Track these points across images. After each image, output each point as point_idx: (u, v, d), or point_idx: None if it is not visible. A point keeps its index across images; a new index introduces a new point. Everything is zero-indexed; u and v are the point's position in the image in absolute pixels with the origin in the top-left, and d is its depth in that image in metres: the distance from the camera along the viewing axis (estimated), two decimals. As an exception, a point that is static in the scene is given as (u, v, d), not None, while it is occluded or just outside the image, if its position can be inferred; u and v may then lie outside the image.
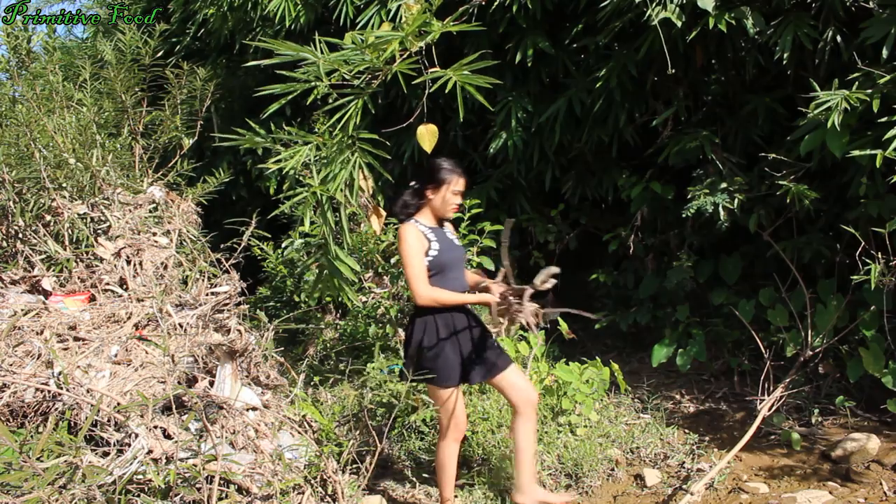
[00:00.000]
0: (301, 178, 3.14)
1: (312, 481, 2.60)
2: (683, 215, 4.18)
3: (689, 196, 4.18)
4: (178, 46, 7.02)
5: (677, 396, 4.34)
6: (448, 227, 3.07)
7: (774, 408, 3.76)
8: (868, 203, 3.59)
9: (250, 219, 4.13)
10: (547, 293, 5.43)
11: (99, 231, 3.90)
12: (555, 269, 2.74)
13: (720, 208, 4.04)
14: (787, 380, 3.90)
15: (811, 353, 3.90)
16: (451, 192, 2.94)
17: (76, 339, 3.03)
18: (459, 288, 2.92)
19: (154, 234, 3.97)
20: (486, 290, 2.94)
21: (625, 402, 4.20)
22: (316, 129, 3.04)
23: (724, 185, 4.08)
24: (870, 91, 3.28)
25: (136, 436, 2.44)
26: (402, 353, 2.91)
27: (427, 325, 2.87)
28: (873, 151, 3.24)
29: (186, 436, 2.48)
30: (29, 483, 1.98)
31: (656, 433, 3.78)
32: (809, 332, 3.90)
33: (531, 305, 2.69)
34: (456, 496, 3.20)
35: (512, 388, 2.93)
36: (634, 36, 4.14)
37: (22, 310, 3.13)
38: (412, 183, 3.06)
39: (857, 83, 3.40)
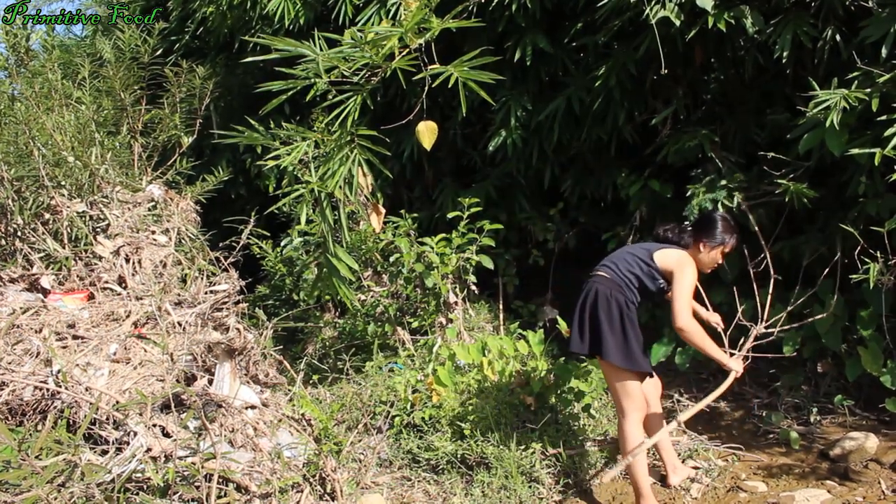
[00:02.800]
0: (300, 176, 3.14)
1: (311, 479, 2.60)
2: (683, 214, 4.18)
3: (688, 194, 4.18)
4: (177, 45, 7.00)
5: (676, 395, 4.33)
6: None
7: (773, 406, 3.76)
8: (867, 202, 3.59)
9: (249, 217, 4.13)
10: (548, 292, 5.38)
11: (98, 229, 3.90)
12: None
13: (719, 207, 4.04)
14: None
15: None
16: (721, 254, 3.01)
17: (75, 337, 3.03)
18: None
19: (153, 232, 3.97)
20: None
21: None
22: (314, 127, 3.03)
23: (723, 182, 4.09)
24: (869, 90, 3.28)
25: (135, 434, 2.44)
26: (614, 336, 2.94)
27: (630, 313, 2.92)
28: (872, 150, 3.23)
29: (185, 434, 2.48)
30: (28, 481, 1.98)
31: (655, 432, 3.78)
32: (808, 330, 3.90)
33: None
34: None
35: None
36: (634, 35, 4.14)
37: (21, 308, 3.13)
38: (686, 224, 3.12)
39: (856, 82, 3.39)
